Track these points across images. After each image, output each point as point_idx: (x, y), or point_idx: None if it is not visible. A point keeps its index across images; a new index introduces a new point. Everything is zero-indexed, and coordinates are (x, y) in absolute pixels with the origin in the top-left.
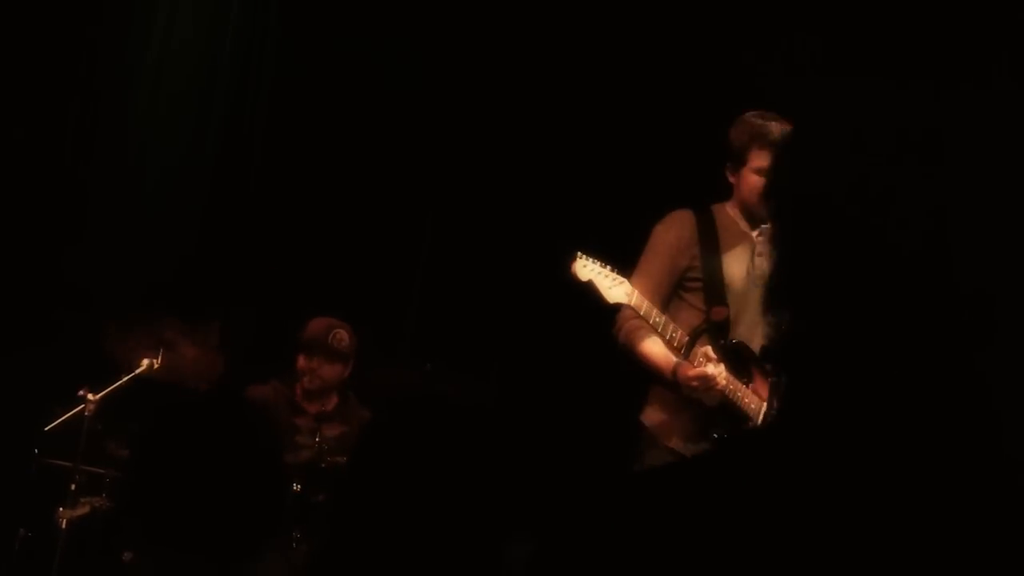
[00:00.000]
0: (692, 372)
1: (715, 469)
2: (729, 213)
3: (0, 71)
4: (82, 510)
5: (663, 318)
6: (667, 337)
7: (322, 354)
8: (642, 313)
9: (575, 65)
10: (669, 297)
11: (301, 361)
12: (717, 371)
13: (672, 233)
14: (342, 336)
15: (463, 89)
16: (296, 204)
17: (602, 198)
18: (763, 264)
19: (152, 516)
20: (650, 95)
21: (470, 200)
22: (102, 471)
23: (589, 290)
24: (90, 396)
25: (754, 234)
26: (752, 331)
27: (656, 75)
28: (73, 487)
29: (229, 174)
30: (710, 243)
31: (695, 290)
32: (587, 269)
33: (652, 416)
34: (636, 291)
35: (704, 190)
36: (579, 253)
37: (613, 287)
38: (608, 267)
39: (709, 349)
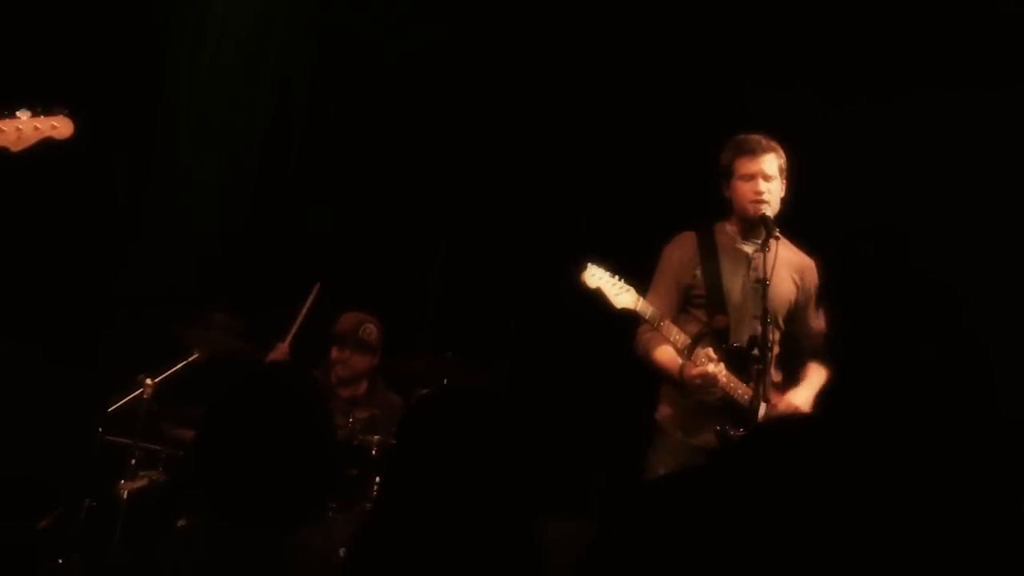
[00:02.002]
0: (695, 371)
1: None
2: (728, 231)
3: (68, 85)
4: (141, 482)
5: (666, 323)
6: (671, 339)
7: (353, 346)
8: (647, 317)
9: (593, 82)
10: (678, 311)
11: (335, 352)
12: (717, 369)
13: (675, 255)
14: (371, 330)
15: (483, 100)
16: (329, 210)
17: (611, 201)
18: (757, 276)
19: (214, 489)
20: (660, 117)
21: (484, 210)
22: (158, 448)
23: (596, 297)
24: (148, 381)
25: (749, 250)
26: (748, 337)
27: (665, 101)
28: (133, 462)
29: (269, 181)
30: (710, 260)
31: (699, 305)
32: (595, 278)
33: (663, 412)
34: (641, 298)
35: (706, 208)
36: (588, 263)
37: (620, 294)
38: (615, 276)
39: (710, 350)
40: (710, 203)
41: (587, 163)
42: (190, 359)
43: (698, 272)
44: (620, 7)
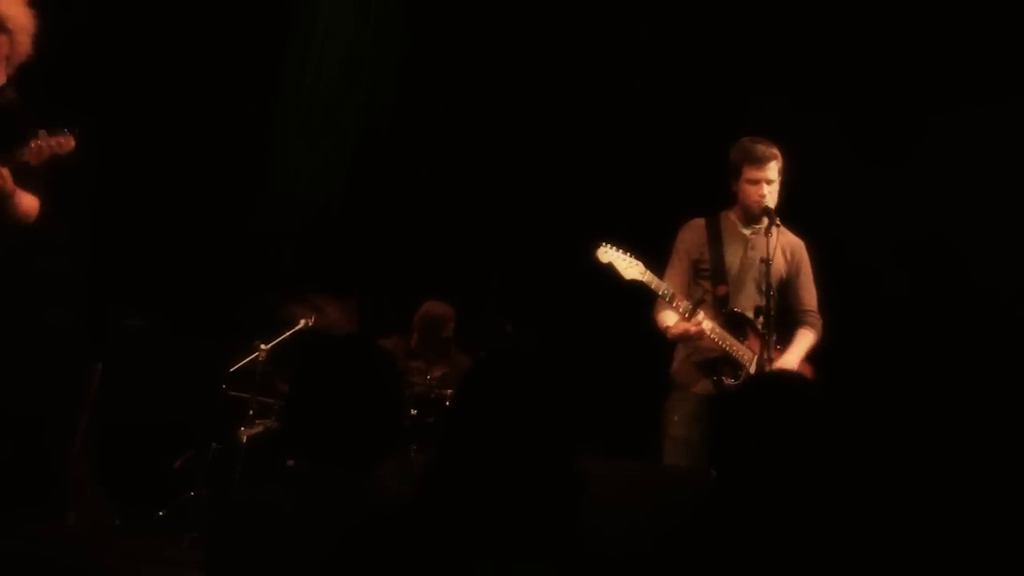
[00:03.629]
0: (688, 328)
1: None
2: (731, 217)
3: (205, 99)
4: (257, 429)
5: (671, 290)
6: (674, 304)
7: (435, 341)
8: (653, 287)
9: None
10: (689, 283)
11: (416, 339)
12: (705, 326)
13: (687, 235)
14: (451, 327)
15: (536, 113)
16: (409, 202)
17: (634, 204)
18: (754, 255)
19: (306, 434)
20: (679, 123)
21: (536, 206)
22: (271, 401)
23: (608, 270)
24: (262, 346)
25: (748, 232)
26: (745, 303)
27: (685, 108)
28: (251, 412)
29: (360, 178)
30: (716, 241)
31: (705, 276)
32: (607, 254)
33: (673, 367)
34: (648, 271)
35: (716, 198)
36: (602, 242)
37: (630, 267)
38: (627, 253)
39: (701, 314)
40: (717, 195)
41: (618, 167)
42: (295, 329)
43: (705, 249)
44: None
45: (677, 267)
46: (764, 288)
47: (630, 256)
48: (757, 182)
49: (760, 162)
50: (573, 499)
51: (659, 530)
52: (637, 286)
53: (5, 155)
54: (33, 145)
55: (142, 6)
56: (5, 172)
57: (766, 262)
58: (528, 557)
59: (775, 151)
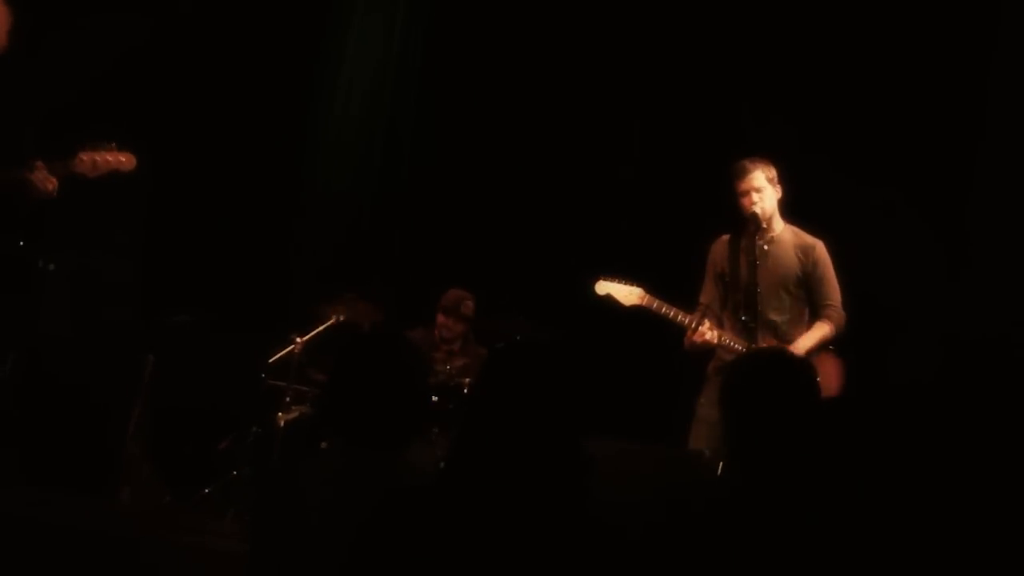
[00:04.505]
0: (695, 339)
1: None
2: (748, 230)
3: (244, 127)
4: (293, 415)
5: (672, 309)
6: (678, 321)
7: (455, 316)
8: (653, 308)
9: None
10: (725, 296)
11: (441, 318)
12: (712, 336)
13: (714, 251)
14: (469, 305)
15: (544, 132)
16: (431, 210)
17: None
18: (761, 262)
19: (342, 417)
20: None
21: (544, 208)
22: (306, 389)
23: (608, 302)
24: (298, 339)
25: (760, 242)
26: (754, 308)
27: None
28: (287, 399)
29: (385, 190)
30: (735, 253)
31: (729, 287)
32: (604, 287)
33: (709, 366)
34: (648, 295)
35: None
36: (599, 277)
37: (629, 295)
38: (623, 281)
39: (707, 323)
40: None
41: (633, 178)
42: (328, 323)
43: (726, 262)
44: (645, 42)
45: (708, 283)
46: (750, 288)
47: (630, 284)
48: (745, 193)
49: (742, 175)
50: (582, 476)
51: (657, 502)
52: (638, 312)
53: (56, 164)
54: (85, 157)
55: (193, 31)
56: (54, 182)
57: (752, 263)
58: (541, 527)
59: (756, 162)
